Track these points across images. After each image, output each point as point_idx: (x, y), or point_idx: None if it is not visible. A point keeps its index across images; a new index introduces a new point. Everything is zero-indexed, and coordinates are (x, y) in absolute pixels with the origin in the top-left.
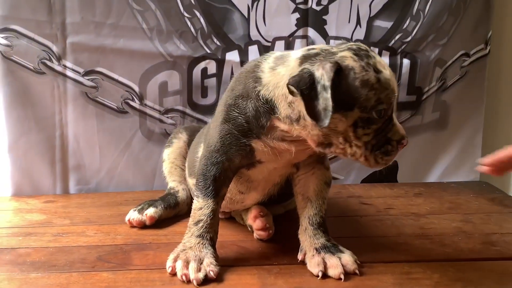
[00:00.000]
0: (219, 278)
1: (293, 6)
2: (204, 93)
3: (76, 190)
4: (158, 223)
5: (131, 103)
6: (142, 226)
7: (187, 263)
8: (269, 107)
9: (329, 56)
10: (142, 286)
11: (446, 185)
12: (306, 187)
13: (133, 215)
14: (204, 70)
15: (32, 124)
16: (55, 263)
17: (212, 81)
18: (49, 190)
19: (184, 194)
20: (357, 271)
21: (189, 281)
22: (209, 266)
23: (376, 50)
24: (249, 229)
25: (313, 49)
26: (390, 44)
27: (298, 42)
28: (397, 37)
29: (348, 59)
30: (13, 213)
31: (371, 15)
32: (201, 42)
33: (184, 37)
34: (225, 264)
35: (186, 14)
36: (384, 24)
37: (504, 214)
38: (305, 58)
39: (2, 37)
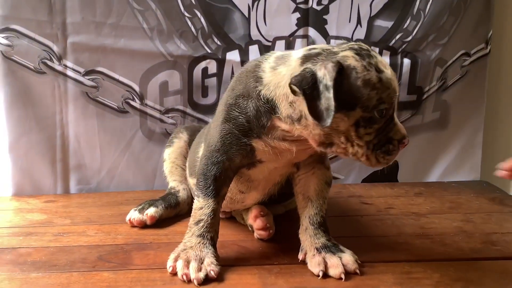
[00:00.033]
0: (219, 278)
1: (293, 5)
2: (204, 92)
3: (77, 190)
4: (158, 223)
5: (132, 102)
6: (143, 225)
7: (187, 263)
8: (270, 107)
9: (331, 55)
10: (143, 285)
11: (447, 184)
12: (307, 187)
13: (133, 214)
14: (205, 69)
15: (32, 124)
16: (56, 263)
17: (212, 81)
18: (50, 190)
19: (185, 193)
20: (357, 271)
21: (189, 281)
22: (210, 266)
23: (377, 49)
24: (250, 228)
25: (314, 48)
26: (391, 44)
27: (298, 41)
28: (397, 36)
29: (350, 59)
30: (14, 213)
31: (371, 15)
32: (201, 41)
33: (185, 37)
34: (226, 264)
35: (186, 14)
36: (384, 23)
37: (505, 213)
38: (306, 58)
39: (2, 37)
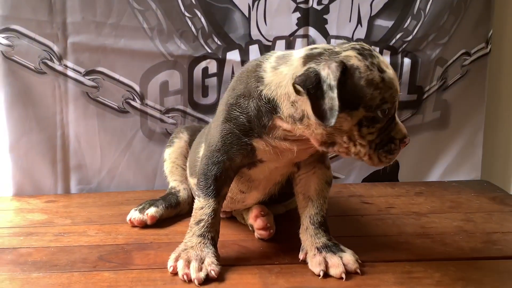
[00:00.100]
0: (220, 278)
1: (293, 5)
2: (205, 92)
3: (77, 190)
4: (159, 223)
5: (132, 102)
6: (143, 225)
7: (188, 263)
8: (271, 107)
9: (333, 55)
10: (144, 285)
11: (447, 184)
12: (307, 187)
13: (134, 214)
14: (205, 69)
15: (33, 124)
16: (57, 263)
17: (213, 81)
18: (50, 190)
19: (185, 193)
20: (358, 271)
21: (190, 281)
22: (211, 266)
23: (377, 49)
24: (250, 228)
25: (316, 48)
26: (391, 43)
27: (299, 41)
28: (398, 36)
29: (353, 59)
30: (15, 213)
31: (372, 14)
32: (201, 41)
33: (185, 37)
34: (226, 264)
35: (187, 14)
36: (385, 23)
37: (505, 213)
38: (308, 58)
39: (3, 37)
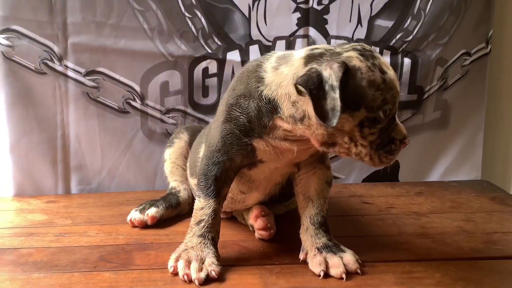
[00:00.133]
0: (220, 278)
1: (294, 5)
2: (205, 92)
3: (78, 190)
4: (159, 223)
5: (133, 103)
6: (144, 226)
7: (189, 263)
8: (272, 107)
9: (334, 56)
10: (144, 286)
11: (448, 184)
12: (307, 187)
13: (134, 215)
14: (205, 70)
15: (33, 125)
16: (57, 263)
17: (213, 81)
18: (51, 190)
19: (186, 193)
20: (358, 271)
21: (191, 281)
22: (211, 266)
23: (377, 49)
24: (251, 228)
25: (317, 48)
26: (391, 44)
27: (299, 41)
28: (398, 36)
29: (355, 59)
30: (15, 213)
31: (372, 15)
32: (202, 42)
33: (185, 37)
34: (227, 264)
35: (187, 14)
36: (385, 23)
37: (506, 213)
38: (310, 58)
39: (3, 38)
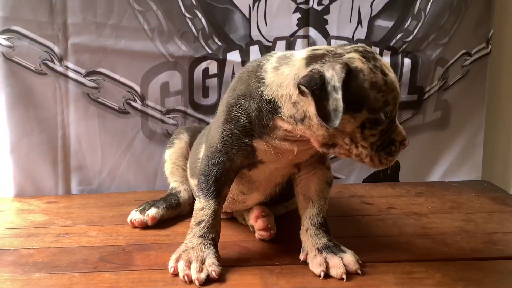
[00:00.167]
0: (221, 279)
1: (294, 6)
2: (205, 93)
3: (78, 191)
4: (160, 224)
5: (133, 103)
6: (144, 226)
7: (189, 264)
8: (272, 107)
9: (336, 57)
10: (144, 286)
11: (448, 184)
12: (308, 187)
13: (135, 215)
14: (206, 70)
15: (34, 125)
16: (58, 264)
17: (213, 81)
18: (51, 191)
19: (186, 194)
20: (359, 271)
21: (191, 282)
22: (211, 267)
23: (377, 49)
24: (251, 229)
25: (318, 49)
26: (391, 44)
27: (299, 42)
28: (398, 36)
29: (357, 61)
30: (16, 214)
31: (372, 15)
32: (202, 42)
33: (185, 38)
34: (227, 264)
35: (187, 15)
36: (385, 23)
37: (506, 213)
38: (311, 59)
39: (3, 38)
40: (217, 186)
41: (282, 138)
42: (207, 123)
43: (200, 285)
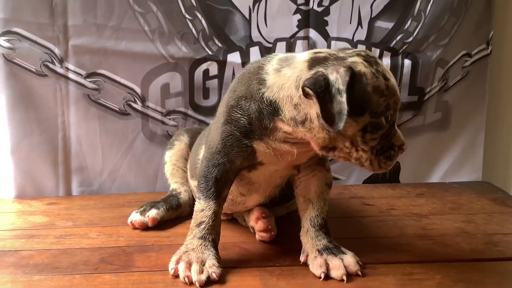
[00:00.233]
0: (221, 280)
1: (294, 7)
2: (205, 94)
3: (79, 192)
4: (160, 225)
5: (133, 105)
6: (145, 227)
7: (189, 265)
8: (273, 109)
9: (338, 60)
10: None
11: (448, 185)
12: (307, 189)
13: (135, 217)
14: (206, 71)
15: (34, 126)
16: (58, 265)
17: (213, 83)
18: (52, 192)
19: (186, 195)
20: (359, 272)
21: (191, 283)
22: (211, 268)
23: (378, 51)
24: (251, 230)
25: (320, 52)
26: (392, 45)
27: (299, 43)
28: (398, 37)
29: (360, 65)
30: (16, 215)
31: (372, 16)
32: (202, 43)
33: (186, 39)
34: (227, 266)
35: (187, 16)
36: (385, 24)
37: (506, 214)
38: (314, 61)
39: (4, 40)
40: (217, 188)
41: (282, 140)
42: (207, 124)
43: (201, 286)
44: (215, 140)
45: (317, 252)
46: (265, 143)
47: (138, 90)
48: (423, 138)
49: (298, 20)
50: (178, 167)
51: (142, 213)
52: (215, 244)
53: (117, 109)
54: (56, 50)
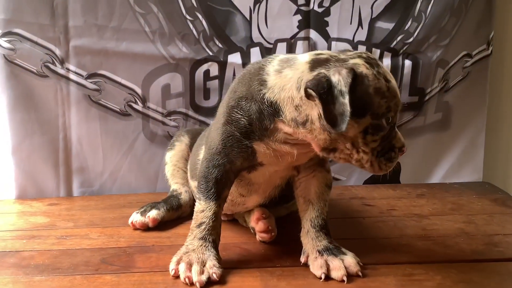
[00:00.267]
0: (222, 281)
1: (294, 8)
2: (206, 95)
3: (80, 193)
4: (161, 225)
5: (134, 105)
6: (145, 228)
7: (190, 266)
8: (274, 110)
9: (340, 62)
10: None
11: (449, 186)
12: (307, 190)
13: (136, 217)
14: (207, 72)
15: (35, 127)
16: (59, 266)
17: (214, 83)
18: (53, 193)
19: (187, 196)
20: (360, 273)
21: (192, 284)
22: (212, 269)
23: (378, 51)
24: (252, 231)
25: (321, 54)
26: (392, 45)
27: (300, 44)
28: (399, 38)
29: (362, 67)
30: (17, 216)
31: (373, 17)
32: (203, 44)
33: (186, 40)
34: (228, 266)
35: (188, 17)
36: (385, 25)
37: (507, 214)
38: (315, 63)
39: (5, 41)
40: (218, 188)
41: (282, 140)
42: (208, 125)
43: (201, 287)
44: (215, 141)
45: (317, 253)
46: (265, 144)
47: (139, 90)
48: (424, 139)
49: (299, 21)
50: (178, 168)
51: (143, 213)
52: (215, 244)
53: (118, 110)
54: (57, 51)
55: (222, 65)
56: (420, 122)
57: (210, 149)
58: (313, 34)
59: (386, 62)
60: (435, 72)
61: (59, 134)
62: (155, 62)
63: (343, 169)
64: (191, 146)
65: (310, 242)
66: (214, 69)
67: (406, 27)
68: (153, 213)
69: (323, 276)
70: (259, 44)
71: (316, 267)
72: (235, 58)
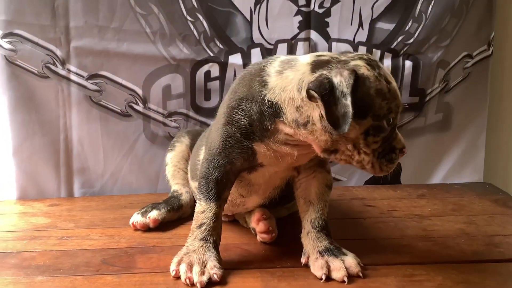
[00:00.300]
0: (222, 281)
1: (295, 8)
2: (207, 96)
3: (81, 193)
4: (161, 226)
5: (135, 106)
6: (146, 229)
7: (190, 266)
8: (275, 111)
9: (341, 63)
10: None
11: (450, 186)
12: (308, 191)
13: (136, 218)
14: (207, 73)
15: (36, 128)
16: (60, 267)
17: (215, 84)
18: (54, 194)
19: (188, 196)
20: (360, 274)
21: (193, 284)
22: (213, 269)
23: (379, 52)
24: (253, 232)
25: (322, 55)
26: (393, 46)
27: (300, 44)
28: (399, 39)
29: (363, 68)
30: (18, 217)
31: (373, 17)
32: (204, 45)
33: (187, 41)
34: (229, 267)
35: (189, 18)
36: (386, 26)
37: (508, 215)
38: (317, 64)
39: (6, 42)
40: (218, 189)
41: (282, 141)
42: (208, 125)
43: None
44: (215, 142)
45: (318, 254)
46: (265, 144)
47: (140, 91)
48: (424, 139)
49: (299, 22)
50: (179, 169)
51: (144, 214)
52: (216, 245)
53: (119, 111)
54: (58, 52)
55: (223, 66)
56: (421, 122)
57: (210, 149)
58: (314, 35)
59: (387, 63)
60: (435, 72)
61: (60, 135)
62: (156, 63)
63: (344, 170)
64: (191, 147)
65: (311, 243)
66: (214, 70)
67: (407, 28)
68: (154, 214)
69: (323, 277)
70: (259, 45)
71: (317, 267)
72: (235, 59)
